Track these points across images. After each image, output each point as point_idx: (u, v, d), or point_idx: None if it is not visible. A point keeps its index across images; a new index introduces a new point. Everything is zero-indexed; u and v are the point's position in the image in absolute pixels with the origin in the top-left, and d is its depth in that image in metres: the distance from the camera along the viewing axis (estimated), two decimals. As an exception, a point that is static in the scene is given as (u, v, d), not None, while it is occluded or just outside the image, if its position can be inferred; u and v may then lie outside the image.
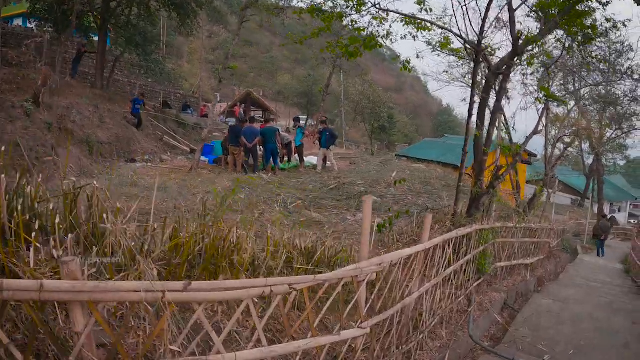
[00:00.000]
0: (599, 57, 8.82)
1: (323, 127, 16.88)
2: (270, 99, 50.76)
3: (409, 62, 9.20)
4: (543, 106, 8.29)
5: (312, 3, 9.76)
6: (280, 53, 65.88)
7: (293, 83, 57.76)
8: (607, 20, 8.14)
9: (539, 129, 7.66)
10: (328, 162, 18.52)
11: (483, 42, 7.08)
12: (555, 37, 8.82)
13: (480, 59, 7.05)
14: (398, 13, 8.31)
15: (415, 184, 14.84)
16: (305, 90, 49.16)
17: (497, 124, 7.70)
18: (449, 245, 5.69)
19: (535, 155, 26.96)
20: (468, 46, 7.17)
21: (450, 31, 7.43)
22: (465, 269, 6.82)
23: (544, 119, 13.40)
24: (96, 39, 24.91)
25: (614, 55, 17.96)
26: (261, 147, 16.60)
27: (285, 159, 18.02)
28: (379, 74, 77.81)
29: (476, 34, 6.98)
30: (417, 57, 9.61)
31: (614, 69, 17.00)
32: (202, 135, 16.35)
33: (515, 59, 6.99)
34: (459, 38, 7.35)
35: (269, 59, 63.32)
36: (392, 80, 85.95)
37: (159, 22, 27.03)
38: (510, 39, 6.93)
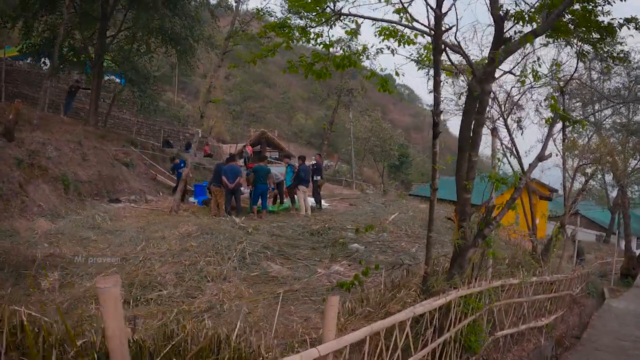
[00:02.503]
0: (621, 55, 6.91)
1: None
2: (286, 139, 49.70)
3: (387, 82, 7.43)
4: (549, 126, 6.34)
5: (275, 20, 8.18)
6: (297, 93, 65.24)
7: (308, 123, 56.73)
8: (628, 20, 6.25)
9: (546, 153, 5.69)
10: (324, 202, 16.68)
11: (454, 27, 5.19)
12: (566, 43, 7.01)
13: (443, 46, 5.19)
14: (360, 17, 6.61)
15: (415, 227, 12.93)
16: (319, 130, 48.04)
17: (492, 148, 5.80)
18: (412, 325, 3.76)
19: (556, 191, 24.53)
20: (424, 33, 5.33)
21: (408, 26, 5.66)
22: (444, 351, 4.82)
23: (558, 145, 11.38)
24: (116, 78, 24.20)
25: (633, 82, 16.03)
26: (250, 186, 15.04)
27: (278, 200, 16.28)
28: (397, 114, 76.41)
29: (431, 8, 5.12)
30: (397, 74, 7.67)
31: (636, 95, 15.11)
32: (183, 174, 14.75)
33: (503, 50, 5.11)
34: (414, 25, 5.55)
35: (286, 99, 62.67)
36: (411, 119, 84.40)
37: (161, 59, 26.22)
38: (491, 19, 5.06)
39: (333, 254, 8.96)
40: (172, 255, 8.08)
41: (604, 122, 18.97)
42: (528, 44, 5.54)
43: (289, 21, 8.01)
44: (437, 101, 4.99)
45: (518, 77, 5.87)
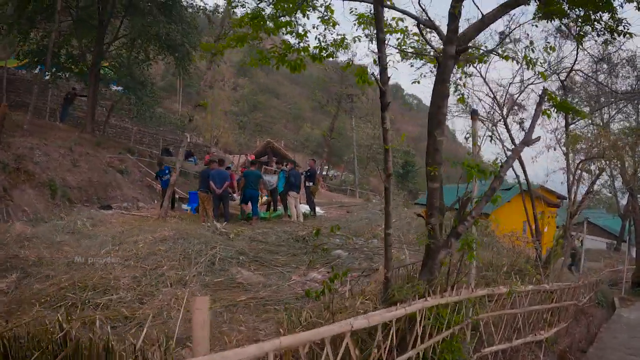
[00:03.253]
0: (620, 29, 6.09)
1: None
2: (292, 149, 49.21)
3: (365, 73, 6.72)
4: (537, 105, 5.44)
5: (250, 11, 7.53)
6: (304, 104, 64.77)
7: (314, 133, 56.27)
8: (629, -1, 5.50)
9: (533, 137, 4.87)
10: (319, 209, 16.00)
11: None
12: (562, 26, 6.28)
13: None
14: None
15: (410, 234, 12.20)
16: (325, 140, 47.62)
17: (473, 133, 5.01)
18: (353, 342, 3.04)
19: (564, 198, 23.48)
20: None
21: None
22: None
23: (561, 142, 10.52)
24: (114, 87, 23.88)
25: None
26: (240, 191, 14.45)
27: (271, 207, 15.58)
28: (405, 124, 75.34)
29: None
30: (375, 62, 6.98)
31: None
32: (171, 180, 14.15)
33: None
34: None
35: (294, 109, 62.20)
36: (419, 129, 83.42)
37: (165, 68, 25.96)
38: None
39: (312, 261, 8.22)
40: (137, 259, 7.45)
41: (612, 121, 18.06)
42: (513, 20, 4.87)
43: (262, 12, 7.43)
44: (382, 63, 4.30)
45: (499, 55, 5.15)
